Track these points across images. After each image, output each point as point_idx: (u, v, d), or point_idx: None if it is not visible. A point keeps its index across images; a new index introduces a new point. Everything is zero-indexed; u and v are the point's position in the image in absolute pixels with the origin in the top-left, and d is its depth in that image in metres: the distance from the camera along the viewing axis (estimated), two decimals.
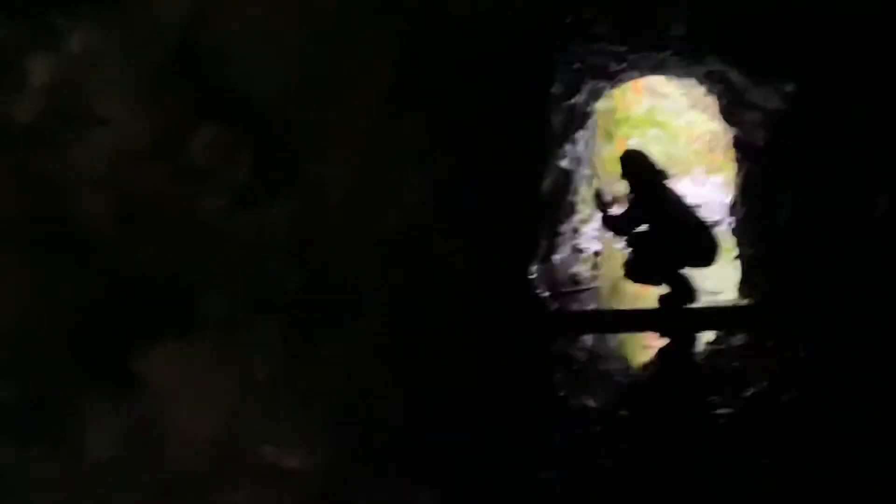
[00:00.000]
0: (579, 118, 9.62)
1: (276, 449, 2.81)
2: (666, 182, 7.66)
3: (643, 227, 7.46)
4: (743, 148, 9.91)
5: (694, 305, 7.30)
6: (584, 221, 11.39)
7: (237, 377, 2.67)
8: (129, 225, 2.34)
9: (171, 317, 2.48)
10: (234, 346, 2.65)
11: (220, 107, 2.55)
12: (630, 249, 7.91)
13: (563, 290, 8.56)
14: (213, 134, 2.52)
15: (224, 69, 2.55)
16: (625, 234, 7.99)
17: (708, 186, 15.98)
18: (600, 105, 11.18)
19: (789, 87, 6.54)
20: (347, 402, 3.07)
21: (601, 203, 7.71)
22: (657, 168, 7.68)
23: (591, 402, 5.44)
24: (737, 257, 9.76)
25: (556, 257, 9.59)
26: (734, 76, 7.47)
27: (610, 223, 7.84)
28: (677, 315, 7.23)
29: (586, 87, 8.95)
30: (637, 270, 7.67)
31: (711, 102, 11.71)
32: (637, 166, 7.61)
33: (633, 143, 13.95)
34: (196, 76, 2.49)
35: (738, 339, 6.95)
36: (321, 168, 2.94)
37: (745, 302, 7.79)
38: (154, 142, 2.37)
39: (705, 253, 7.41)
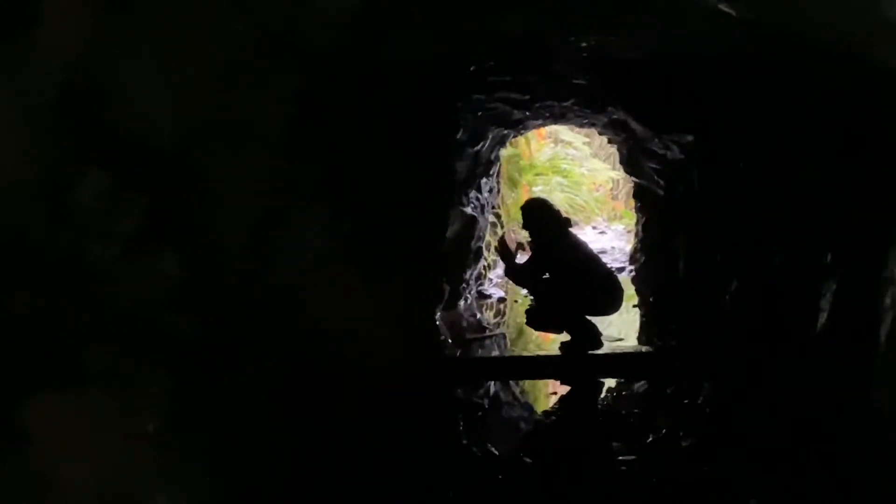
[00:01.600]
0: (484, 165, 9.70)
1: (167, 501, 2.71)
2: (569, 230, 7.72)
3: (546, 276, 7.50)
4: (643, 196, 10.11)
5: (597, 352, 7.35)
6: (489, 268, 11.46)
7: (126, 429, 2.57)
8: (7, 270, 2.25)
9: (55, 368, 2.38)
10: (124, 397, 2.55)
11: (110, 151, 2.48)
12: (533, 297, 7.95)
13: (468, 336, 8.56)
14: (102, 179, 2.44)
15: (115, 113, 2.48)
16: (527, 286, 8.02)
17: (610, 234, 16.28)
18: (505, 152, 11.32)
19: (688, 138, 6.70)
20: (240, 454, 2.99)
21: (505, 252, 7.71)
22: (560, 216, 7.74)
23: (495, 450, 5.40)
24: (637, 305, 9.91)
25: (461, 303, 9.61)
26: (635, 126, 7.61)
27: (513, 274, 7.85)
28: (580, 362, 7.28)
29: (490, 135, 9.03)
30: (539, 318, 7.71)
31: (613, 151, 11.97)
32: (539, 215, 7.66)
33: (537, 191, 14.13)
34: (84, 119, 2.41)
35: (639, 386, 7.01)
36: (215, 216, 2.88)
37: (645, 349, 7.87)
38: (37, 185, 2.28)
39: (608, 300, 7.49)
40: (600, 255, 8.76)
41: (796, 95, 4.42)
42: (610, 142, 10.63)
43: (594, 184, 18.01)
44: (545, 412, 6.63)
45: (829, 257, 4.13)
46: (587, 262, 7.58)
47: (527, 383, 7.47)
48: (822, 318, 4.08)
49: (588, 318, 7.41)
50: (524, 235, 8.40)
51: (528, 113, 8.38)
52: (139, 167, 2.56)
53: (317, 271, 3.43)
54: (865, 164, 3.74)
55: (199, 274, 2.81)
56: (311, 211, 3.38)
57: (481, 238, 10.32)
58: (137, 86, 2.51)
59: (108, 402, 2.50)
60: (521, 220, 8.05)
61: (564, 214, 8.03)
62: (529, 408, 6.89)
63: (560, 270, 7.41)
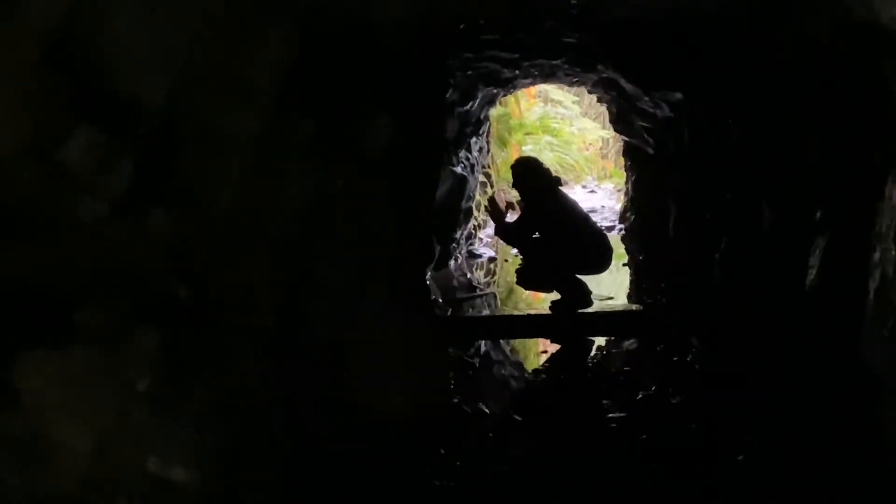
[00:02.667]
0: (474, 124, 9.67)
1: (160, 460, 2.71)
2: (558, 189, 7.72)
3: (536, 235, 7.51)
4: (633, 155, 10.11)
5: (586, 311, 7.38)
6: (480, 227, 11.47)
7: (118, 388, 2.57)
8: None
9: (45, 326, 2.37)
10: (115, 356, 2.55)
11: (99, 107, 2.45)
12: (523, 257, 7.97)
13: (458, 295, 8.59)
14: (91, 136, 2.41)
15: (103, 68, 2.45)
16: (517, 245, 8.02)
17: (600, 193, 16.29)
18: (494, 111, 11.28)
19: (677, 96, 6.68)
20: (233, 412, 3.00)
21: (495, 211, 7.71)
22: (550, 175, 7.74)
23: (486, 408, 5.44)
24: (626, 263, 9.94)
25: (452, 263, 9.62)
26: (625, 84, 7.59)
27: (503, 233, 7.85)
28: (570, 320, 7.31)
29: (480, 94, 9.00)
30: (530, 277, 7.73)
31: (603, 110, 11.94)
32: (529, 174, 7.65)
33: (527, 150, 14.12)
34: (72, 74, 2.38)
35: (629, 344, 7.05)
36: (205, 175, 2.86)
37: (635, 307, 7.91)
38: (24, 143, 2.26)
39: (598, 259, 7.51)
40: (590, 214, 8.76)
41: (786, 52, 4.41)
42: (600, 100, 10.61)
43: (584, 143, 18.00)
44: (535, 370, 6.67)
45: (819, 214, 4.13)
46: (577, 221, 7.59)
47: (517, 342, 7.51)
48: (812, 274, 4.09)
49: (578, 276, 7.44)
50: (514, 195, 8.40)
51: (517, 71, 8.35)
52: (129, 123, 2.53)
53: (305, 228, 3.42)
54: (855, 121, 3.74)
55: (189, 231, 2.80)
56: (301, 168, 3.36)
57: (471, 198, 10.32)
58: (126, 40, 2.48)
59: (100, 360, 2.49)
60: (510, 180, 8.04)
61: (554, 174, 8.02)
62: (520, 366, 6.93)
63: (550, 230, 7.42)
